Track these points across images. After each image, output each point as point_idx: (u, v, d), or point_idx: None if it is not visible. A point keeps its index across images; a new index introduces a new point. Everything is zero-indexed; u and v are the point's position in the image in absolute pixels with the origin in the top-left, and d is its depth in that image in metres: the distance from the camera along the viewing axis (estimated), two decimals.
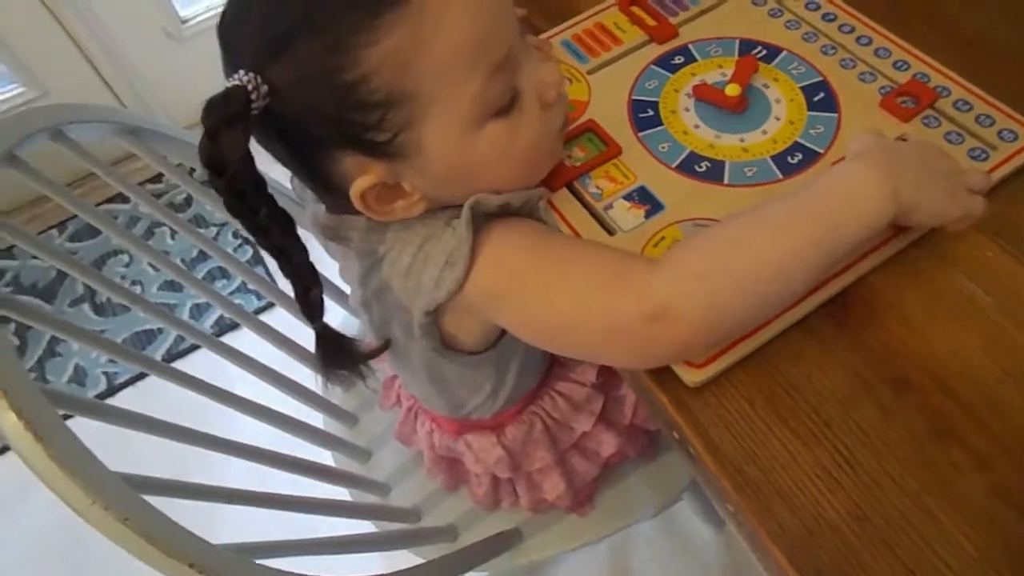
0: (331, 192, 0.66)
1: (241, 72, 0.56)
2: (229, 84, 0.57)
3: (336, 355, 0.73)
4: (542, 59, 0.66)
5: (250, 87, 0.56)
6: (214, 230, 2.19)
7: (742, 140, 0.76)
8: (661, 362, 0.64)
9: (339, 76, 0.56)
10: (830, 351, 0.64)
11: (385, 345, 0.79)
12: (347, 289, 0.84)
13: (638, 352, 0.62)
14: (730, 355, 0.63)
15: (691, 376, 0.63)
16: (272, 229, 0.62)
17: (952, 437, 0.58)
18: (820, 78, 0.79)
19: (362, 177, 0.62)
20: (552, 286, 0.63)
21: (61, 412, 0.63)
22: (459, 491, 1.11)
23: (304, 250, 0.65)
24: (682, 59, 0.84)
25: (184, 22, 2.19)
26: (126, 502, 0.60)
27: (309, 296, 0.67)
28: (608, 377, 0.98)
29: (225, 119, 0.56)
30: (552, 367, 0.98)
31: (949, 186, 0.62)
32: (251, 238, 0.64)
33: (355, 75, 0.56)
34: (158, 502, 0.63)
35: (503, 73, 0.61)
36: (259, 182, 0.60)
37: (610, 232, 0.72)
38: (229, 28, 0.60)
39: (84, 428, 0.65)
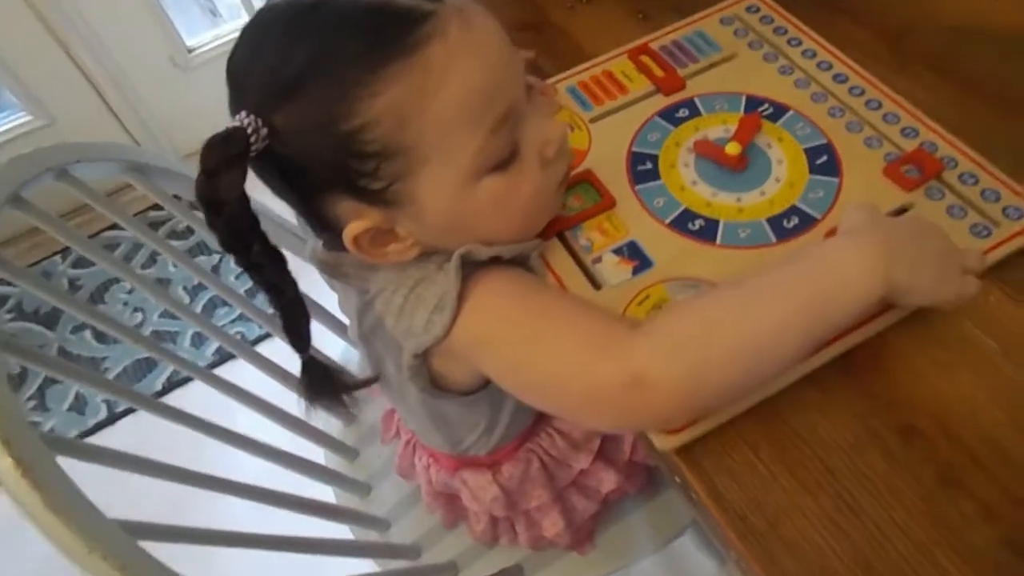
0: (327, 231, 0.66)
1: (243, 113, 0.57)
2: (231, 125, 0.57)
3: (320, 385, 0.74)
4: (546, 113, 0.66)
5: (250, 129, 0.56)
6: (216, 257, 2.18)
7: (739, 200, 0.74)
8: (638, 429, 0.63)
9: (338, 125, 0.57)
10: (835, 398, 0.63)
11: (371, 379, 0.79)
12: (347, 320, 0.84)
13: (614, 418, 0.61)
14: (708, 422, 0.62)
15: (662, 442, 0.61)
16: (264, 265, 0.62)
17: (960, 487, 0.58)
18: (825, 140, 0.77)
19: (356, 221, 0.62)
20: (535, 342, 0.62)
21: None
22: (459, 526, 1.09)
23: (295, 286, 0.65)
24: (687, 112, 0.82)
25: (191, 51, 2.20)
26: (124, 550, 0.60)
27: (297, 329, 0.68)
28: None
29: (224, 160, 0.56)
30: None
31: (943, 268, 0.60)
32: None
33: (354, 125, 0.57)
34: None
35: (504, 129, 0.61)
36: (254, 221, 0.60)
37: (596, 286, 0.70)
38: (237, 68, 0.61)
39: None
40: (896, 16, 0.89)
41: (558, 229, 0.75)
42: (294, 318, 0.67)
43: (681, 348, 0.56)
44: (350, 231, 0.62)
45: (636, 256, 0.72)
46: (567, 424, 0.94)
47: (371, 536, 1.11)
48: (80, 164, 0.85)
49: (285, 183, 0.62)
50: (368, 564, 1.06)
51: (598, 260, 0.72)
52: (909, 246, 0.59)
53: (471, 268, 0.64)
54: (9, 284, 2.21)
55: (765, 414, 0.63)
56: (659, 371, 0.55)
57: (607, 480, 0.98)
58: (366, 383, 0.79)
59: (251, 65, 0.60)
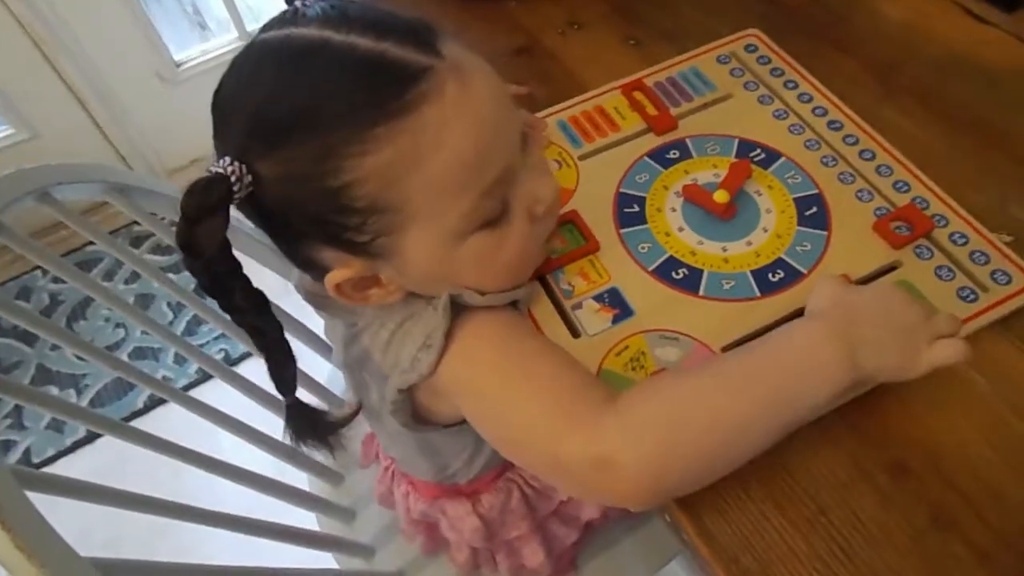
0: (309, 271, 0.66)
1: (227, 160, 0.55)
2: (213, 170, 0.55)
3: (306, 427, 0.73)
4: (540, 169, 0.66)
5: (233, 178, 0.55)
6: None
7: (724, 249, 0.73)
8: (601, 503, 0.61)
9: (326, 181, 0.55)
10: (826, 435, 0.63)
11: (354, 414, 0.78)
12: (333, 345, 0.83)
13: (578, 491, 0.63)
14: None
15: None
16: (246, 309, 0.61)
17: (952, 529, 0.58)
18: (816, 191, 0.76)
19: (339, 270, 0.61)
20: (512, 398, 0.61)
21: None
22: (441, 555, 1.08)
23: (279, 327, 0.64)
24: (677, 153, 0.81)
25: (178, 65, 2.18)
26: None
27: (281, 372, 0.67)
28: None
29: (206, 207, 0.54)
30: None
31: (911, 345, 0.59)
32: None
33: (342, 181, 0.55)
34: None
35: (498, 189, 0.60)
36: (235, 265, 0.59)
37: (574, 334, 0.69)
38: (225, 103, 0.59)
39: None
40: (885, 49, 0.90)
41: (539, 272, 0.73)
42: (278, 361, 0.66)
43: (651, 434, 0.56)
44: (332, 279, 0.61)
45: (617, 304, 0.70)
46: None
47: (355, 563, 1.10)
48: (62, 186, 0.83)
49: (266, 227, 0.62)
50: None
51: (578, 306, 0.71)
52: (875, 329, 0.58)
53: (461, 308, 0.63)
54: None
55: None
56: (626, 457, 0.55)
57: (588, 508, 0.97)
58: (349, 418, 0.78)
59: (238, 103, 0.58)
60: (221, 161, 0.55)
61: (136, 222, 2.12)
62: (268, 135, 0.55)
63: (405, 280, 0.64)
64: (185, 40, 2.20)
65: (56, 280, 2.21)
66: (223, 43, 2.22)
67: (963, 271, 0.68)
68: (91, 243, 2.18)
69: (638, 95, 0.86)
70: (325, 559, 1.09)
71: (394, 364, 0.65)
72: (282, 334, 0.65)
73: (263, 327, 0.63)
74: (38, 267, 2.24)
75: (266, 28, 0.59)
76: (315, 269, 0.63)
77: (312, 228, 0.59)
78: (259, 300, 0.61)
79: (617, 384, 0.65)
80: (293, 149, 0.55)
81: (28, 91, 2.02)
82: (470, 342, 0.63)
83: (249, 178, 0.55)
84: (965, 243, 0.70)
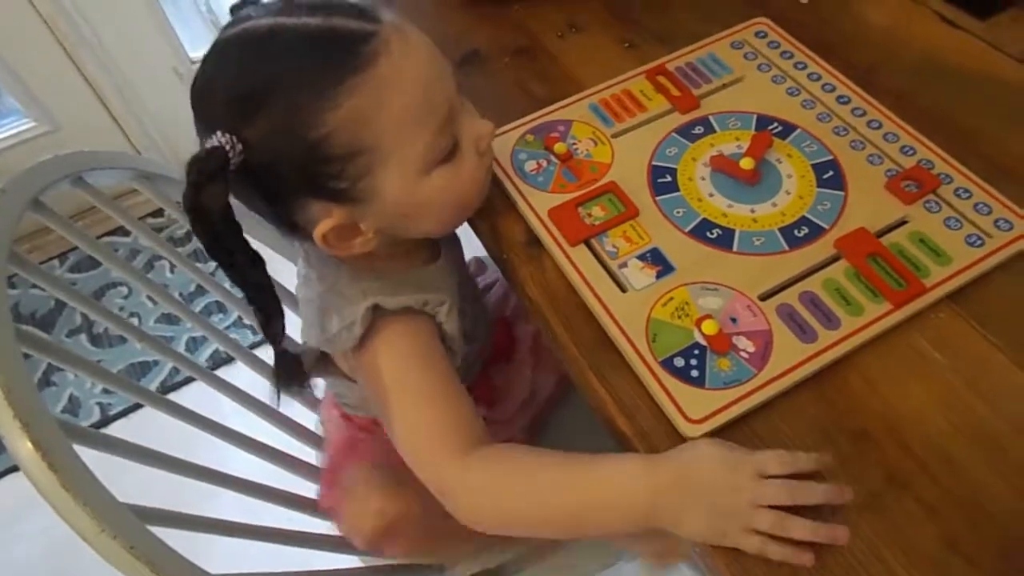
0: (297, 234, 0.74)
1: (219, 133, 0.63)
2: (208, 145, 0.63)
3: (291, 374, 0.82)
4: (475, 112, 0.77)
5: (227, 147, 0.62)
6: (213, 264, 2.18)
7: (753, 211, 0.80)
8: None
9: (305, 134, 0.64)
10: (794, 402, 0.68)
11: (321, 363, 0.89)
12: None
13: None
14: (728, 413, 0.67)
15: (688, 429, 0.66)
16: (245, 268, 0.68)
17: (906, 488, 0.62)
18: (831, 157, 0.83)
19: (325, 220, 0.70)
20: (398, 413, 0.74)
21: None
22: None
23: (271, 286, 0.71)
24: (702, 129, 0.88)
25: (194, 63, 2.15)
26: (132, 532, 0.64)
27: (271, 324, 0.73)
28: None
29: (208, 175, 0.62)
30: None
31: (720, 528, 0.61)
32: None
33: (319, 133, 0.65)
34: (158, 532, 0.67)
35: (447, 126, 0.71)
36: (236, 228, 0.65)
37: (622, 289, 0.75)
38: (200, 93, 0.68)
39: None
40: (864, 53, 0.95)
41: (585, 236, 0.79)
42: (269, 315, 0.72)
43: (484, 494, 0.69)
44: (320, 229, 0.70)
45: (659, 262, 0.77)
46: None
47: None
48: (94, 171, 0.90)
49: (259, 192, 0.69)
50: (355, 561, 1.07)
51: (624, 265, 0.77)
52: (690, 498, 0.61)
53: (381, 312, 0.75)
54: (7, 287, 2.18)
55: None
56: (462, 502, 0.70)
57: None
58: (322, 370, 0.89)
59: (213, 89, 0.67)
60: (214, 136, 0.63)
61: (150, 215, 2.19)
62: (248, 104, 0.64)
63: (381, 222, 0.73)
64: (199, 39, 2.22)
65: (72, 270, 2.25)
66: None
67: (969, 221, 0.76)
68: (104, 235, 2.24)
69: (661, 79, 0.93)
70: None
71: (317, 324, 0.77)
72: (274, 292, 0.71)
73: (260, 283, 0.70)
74: (54, 257, 2.28)
75: (223, 30, 0.68)
76: (302, 232, 0.72)
77: (298, 180, 0.67)
78: (256, 259, 0.68)
79: (663, 331, 0.71)
80: (272, 111, 0.64)
81: (50, 86, 2.07)
82: (382, 349, 0.75)
83: (240, 146, 0.63)
84: (969, 196, 0.77)
